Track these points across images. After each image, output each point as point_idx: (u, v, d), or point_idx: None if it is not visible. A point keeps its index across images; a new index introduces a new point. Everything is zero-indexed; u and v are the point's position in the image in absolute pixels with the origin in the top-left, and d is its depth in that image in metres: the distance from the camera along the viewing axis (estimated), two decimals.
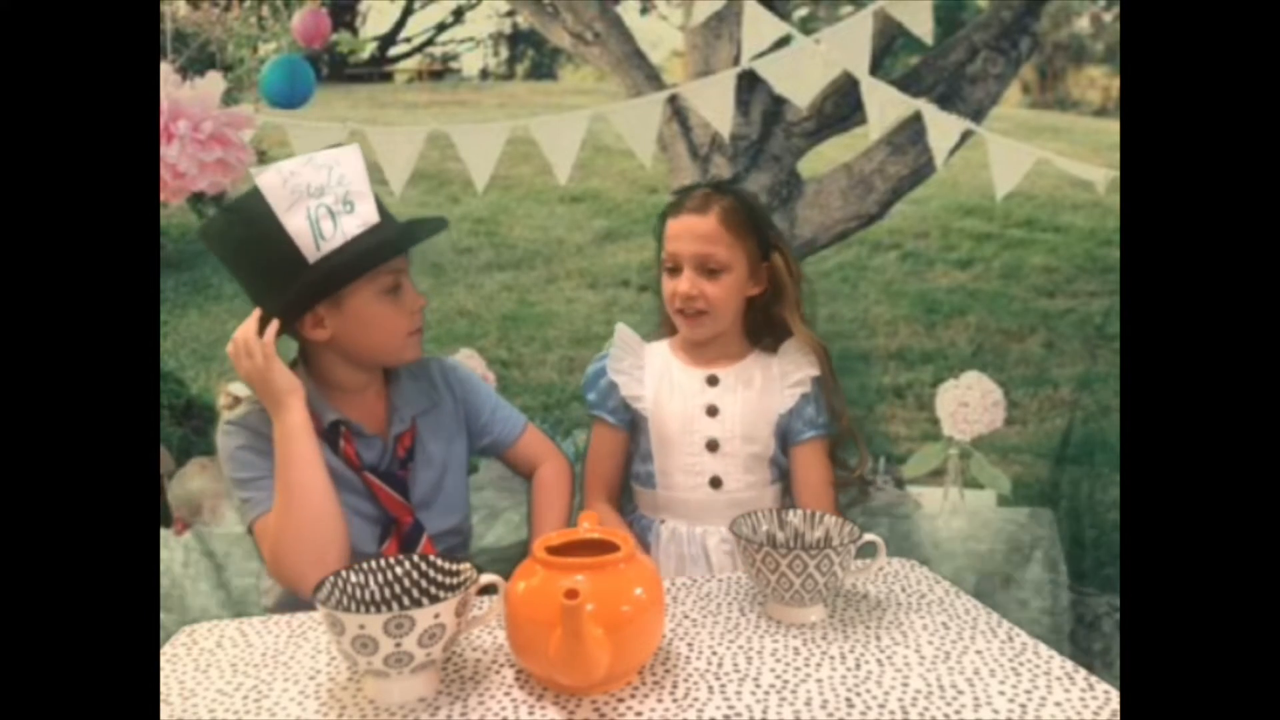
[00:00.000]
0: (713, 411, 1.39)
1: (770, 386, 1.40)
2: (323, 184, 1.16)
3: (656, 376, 1.43)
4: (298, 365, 1.28)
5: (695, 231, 1.34)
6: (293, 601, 1.18)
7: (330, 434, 1.24)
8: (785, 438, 1.41)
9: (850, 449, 1.45)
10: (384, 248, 1.19)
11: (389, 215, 1.23)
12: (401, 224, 1.24)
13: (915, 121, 1.97)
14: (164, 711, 0.86)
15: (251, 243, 1.18)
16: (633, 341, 1.46)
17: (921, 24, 1.87)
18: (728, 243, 1.34)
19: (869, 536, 1.07)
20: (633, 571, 0.89)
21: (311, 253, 1.15)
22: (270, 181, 1.14)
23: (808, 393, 1.39)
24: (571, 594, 0.77)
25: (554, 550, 0.90)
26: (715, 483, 1.39)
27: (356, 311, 1.20)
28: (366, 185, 1.19)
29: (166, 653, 0.99)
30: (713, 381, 1.41)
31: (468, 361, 1.90)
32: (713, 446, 1.39)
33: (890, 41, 2.36)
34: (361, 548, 1.22)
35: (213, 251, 1.23)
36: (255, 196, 1.15)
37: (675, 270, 1.36)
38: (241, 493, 1.21)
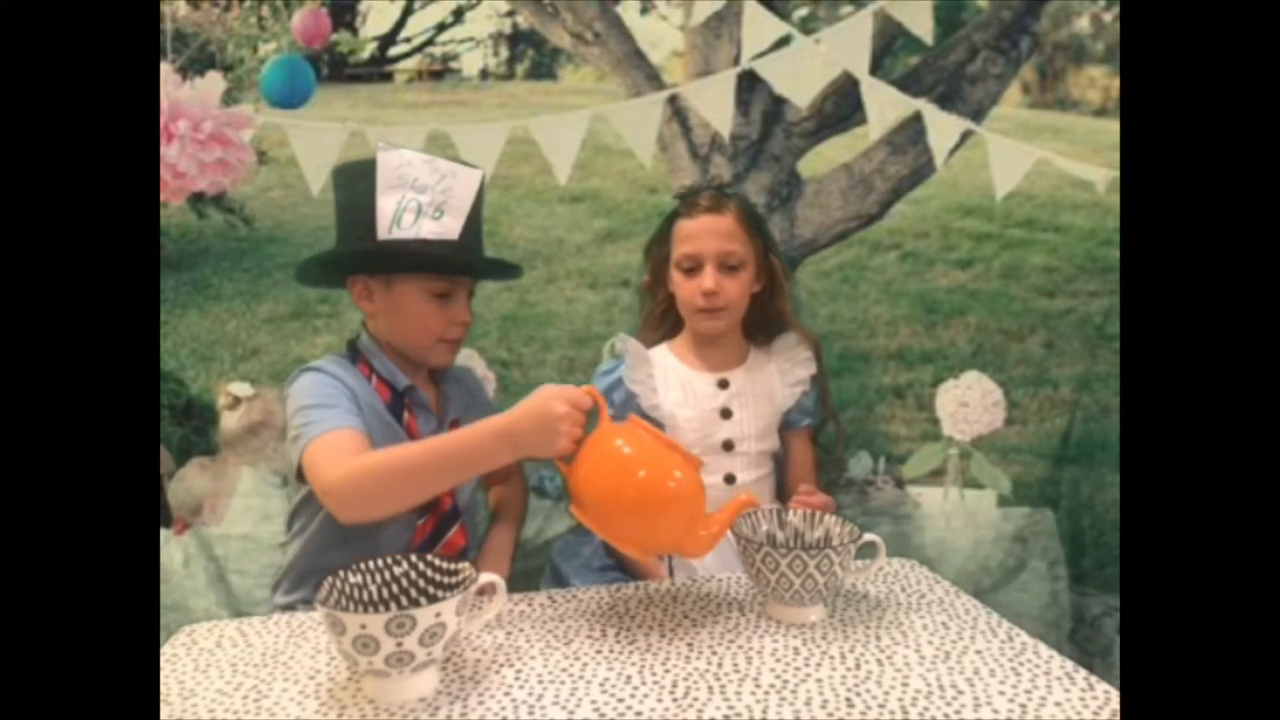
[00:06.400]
0: (726, 414, 1.44)
1: (774, 385, 1.46)
2: (428, 184, 1.22)
3: (667, 383, 1.46)
4: (360, 336, 1.33)
5: (716, 230, 1.39)
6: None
7: (397, 402, 1.28)
8: (781, 425, 1.48)
9: (830, 435, 1.55)
10: (437, 261, 1.25)
11: (477, 243, 1.28)
12: (476, 255, 1.29)
13: (915, 121, 1.97)
14: (164, 711, 0.86)
15: (348, 199, 1.27)
16: (642, 351, 1.48)
17: (921, 24, 1.87)
18: (743, 240, 1.40)
19: (869, 536, 1.07)
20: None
21: (383, 231, 1.22)
22: (387, 160, 1.22)
23: (807, 389, 1.47)
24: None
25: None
26: (729, 479, 1.43)
27: (402, 299, 1.27)
28: (467, 206, 1.24)
29: (166, 653, 0.99)
30: (724, 385, 1.45)
31: (468, 362, 1.90)
32: (728, 446, 1.44)
33: (890, 41, 2.36)
34: (397, 524, 1.23)
35: (334, 189, 1.31)
36: (371, 165, 1.23)
37: (694, 269, 1.40)
38: (309, 414, 1.16)
